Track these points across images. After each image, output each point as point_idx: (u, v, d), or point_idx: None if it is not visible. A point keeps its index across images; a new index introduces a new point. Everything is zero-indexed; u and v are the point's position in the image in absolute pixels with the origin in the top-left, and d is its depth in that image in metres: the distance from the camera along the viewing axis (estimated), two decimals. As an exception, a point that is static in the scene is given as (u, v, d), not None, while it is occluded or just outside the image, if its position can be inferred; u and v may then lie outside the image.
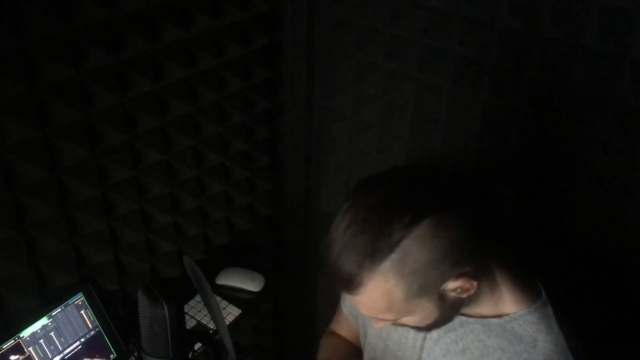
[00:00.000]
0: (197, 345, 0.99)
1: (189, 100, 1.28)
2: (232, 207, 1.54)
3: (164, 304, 0.77)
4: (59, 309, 1.18)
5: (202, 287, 0.88)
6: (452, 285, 0.72)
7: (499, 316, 0.81)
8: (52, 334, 1.17)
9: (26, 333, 1.13)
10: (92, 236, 1.21)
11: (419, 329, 0.82)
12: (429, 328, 0.80)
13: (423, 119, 1.30)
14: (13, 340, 1.11)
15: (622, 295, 1.10)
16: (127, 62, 1.14)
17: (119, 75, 1.14)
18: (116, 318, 1.27)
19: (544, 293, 0.83)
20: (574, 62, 1.01)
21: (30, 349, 1.14)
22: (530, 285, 0.84)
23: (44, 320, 1.16)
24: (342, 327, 1.12)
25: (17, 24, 0.96)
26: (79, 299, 1.22)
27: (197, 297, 1.50)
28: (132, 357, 1.26)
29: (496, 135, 1.19)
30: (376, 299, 0.71)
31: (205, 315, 1.46)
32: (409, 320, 0.77)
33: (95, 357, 1.23)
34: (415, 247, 0.67)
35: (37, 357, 1.15)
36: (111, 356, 1.25)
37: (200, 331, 1.40)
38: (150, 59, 1.18)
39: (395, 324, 0.79)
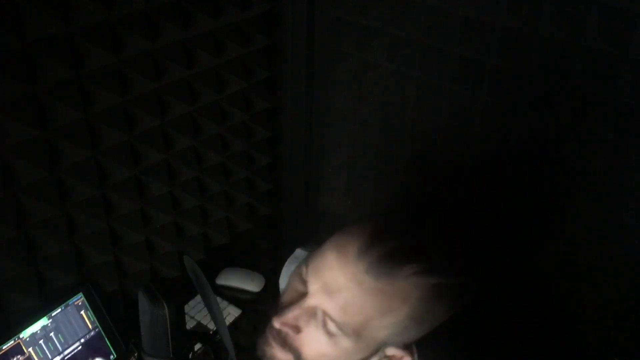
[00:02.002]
0: (197, 346, 0.99)
1: (189, 100, 1.28)
2: (232, 207, 1.54)
3: (164, 304, 0.77)
4: (59, 310, 1.18)
5: (203, 287, 0.88)
6: (392, 351, 0.68)
7: None
8: (52, 334, 1.17)
9: (26, 333, 1.13)
10: (92, 236, 1.21)
11: None
12: None
13: (423, 119, 1.30)
14: (13, 341, 1.11)
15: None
16: (127, 62, 1.14)
17: (119, 75, 1.13)
18: (116, 318, 1.27)
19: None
20: (574, 62, 1.01)
21: (30, 349, 1.13)
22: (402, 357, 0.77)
23: (44, 321, 1.16)
24: None
25: (17, 24, 0.96)
26: (79, 299, 1.22)
27: (197, 298, 1.50)
28: (132, 357, 1.26)
29: (496, 135, 1.19)
30: (382, 298, 0.63)
31: (205, 315, 1.46)
32: (327, 348, 0.67)
33: (95, 358, 1.23)
34: (430, 293, 0.64)
35: (37, 358, 1.14)
36: (111, 357, 1.25)
37: (200, 331, 1.40)
38: (150, 59, 1.18)
39: (286, 340, 0.69)
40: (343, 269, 0.64)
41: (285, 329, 0.68)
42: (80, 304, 1.22)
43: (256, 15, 1.38)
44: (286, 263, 0.99)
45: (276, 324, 0.68)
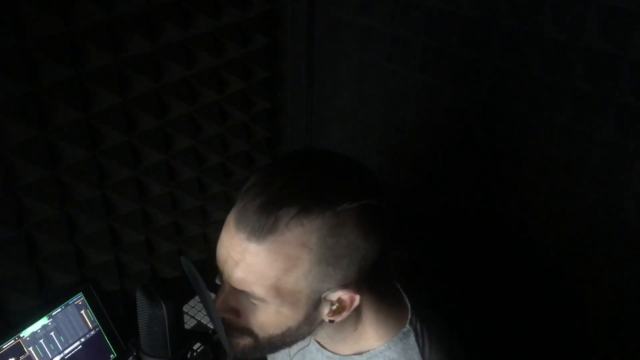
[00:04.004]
0: (196, 345, 0.98)
1: (189, 100, 1.29)
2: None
3: (163, 303, 0.77)
4: (59, 309, 1.19)
5: (199, 287, 0.88)
6: (335, 296, 0.66)
7: (360, 353, 0.75)
8: (52, 333, 1.17)
9: (26, 333, 1.13)
10: (92, 236, 1.21)
11: (249, 351, 0.71)
12: (267, 348, 0.71)
13: (423, 119, 1.30)
14: (13, 340, 1.11)
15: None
16: (127, 62, 1.14)
17: (119, 75, 1.14)
18: (116, 318, 1.28)
19: (408, 318, 0.76)
20: (574, 62, 1.01)
21: (30, 348, 1.14)
22: (396, 310, 0.77)
23: (44, 320, 1.16)
24: None
25: (17, 24, 0.96)
26: (79, 298, 1.22)
27: (197, 297, 1.50)
28: (131, 357, 1.25)
29: (496, 135, 1.18)
30: (275, 256, 0.61)
31: (205, 315, 1.46)
32: (264, 316, 0.67)
33: (95, 357, 1.23)
34: (321, 229, 0.61)
35: (37, 357, 1.15)
36: (111, 356, 1.25)
37: (199, 331, 1.40)
38: (150, 59, 1.18)
39: (235, 325, 0.69)
40: (230, 244, 0.64)
41: (228, 316, 0.69)
42: (80, 303, 1.22)
43: (256, 15, 1.38)
44: None
45: (217, 306, 0.69)
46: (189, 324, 1.46)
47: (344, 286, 0.65)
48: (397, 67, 1.28)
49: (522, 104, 1.11)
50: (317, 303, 0.66)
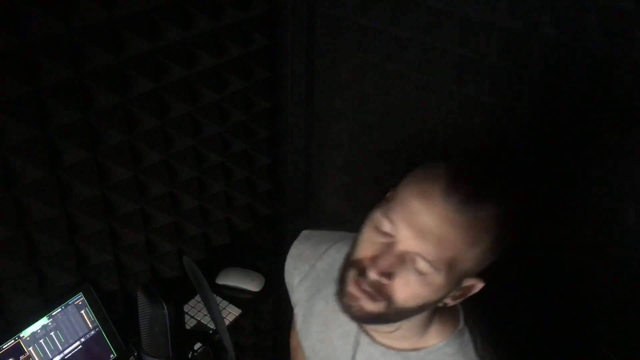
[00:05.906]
0: (197, 345, 0.99)
1: (189, 100, 1.29)
2: (232, 207, 1.54)
3: (164, 304, 0.77)
4: (59, 309, 1.19)
5: (202, 287, 0.88)
6: (468, 282, 0.72)
7: (417, 349, 0.80)
8: (52, 333, 1.17)
9: (26, 333, 1.13)
10: (92, 236, 1.21)
11: (378, 318, 0.74)
12: (389, 317, 0.74)
13: (423, 119, 1.30)
14: (13, 340, 1.11)
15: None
16: (127, 62, 1.14)
17: (119, 75, 1.14)
18: (116, 318, 1.28)
19: (462, 318, 0.81)
20: (574, 62, 1.01)
21: (31, 348, 1.14)
22: (452, 308, 0.81)
23: (44, 320, 1.16)
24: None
25: (17, 24, 0.96)
26: (79, 298, 1.22)
27: (197, 297, 1.50)
28: (132, 357, 1.25)
29: (496, 135, 1.18)
30: (469, 231, 0.67)
31: (205, 315, 1.46)
32: (417, 286, 0.70)
33: (95, 357, 1.23)
34: (506, 220, 0.68)
35: (37, 357, 1.15)
36: (111, 356, 1.25)
37: (200, 331, 1.40)
38: (150, 59, 1.18)
39: (378, 288, 0.71)
40: (431, 212, 0.67)
41: (380, 278, 0.70)
42: (80, 303, 1.22)
43: (256, 15, 1.38)
44: (296, 244, 0.98)
45: (373, 274, 0.70)
46: (189, 324, 1.46)
47: (477, 274, 0.71)
48: (397, 67, 1.28)
49: (522, 104, 1.11)
50: (457, 284, 0.71)
